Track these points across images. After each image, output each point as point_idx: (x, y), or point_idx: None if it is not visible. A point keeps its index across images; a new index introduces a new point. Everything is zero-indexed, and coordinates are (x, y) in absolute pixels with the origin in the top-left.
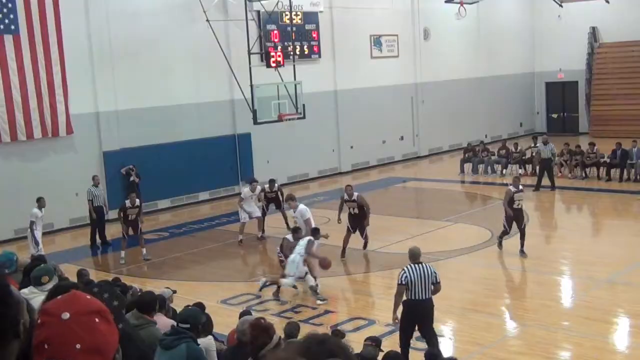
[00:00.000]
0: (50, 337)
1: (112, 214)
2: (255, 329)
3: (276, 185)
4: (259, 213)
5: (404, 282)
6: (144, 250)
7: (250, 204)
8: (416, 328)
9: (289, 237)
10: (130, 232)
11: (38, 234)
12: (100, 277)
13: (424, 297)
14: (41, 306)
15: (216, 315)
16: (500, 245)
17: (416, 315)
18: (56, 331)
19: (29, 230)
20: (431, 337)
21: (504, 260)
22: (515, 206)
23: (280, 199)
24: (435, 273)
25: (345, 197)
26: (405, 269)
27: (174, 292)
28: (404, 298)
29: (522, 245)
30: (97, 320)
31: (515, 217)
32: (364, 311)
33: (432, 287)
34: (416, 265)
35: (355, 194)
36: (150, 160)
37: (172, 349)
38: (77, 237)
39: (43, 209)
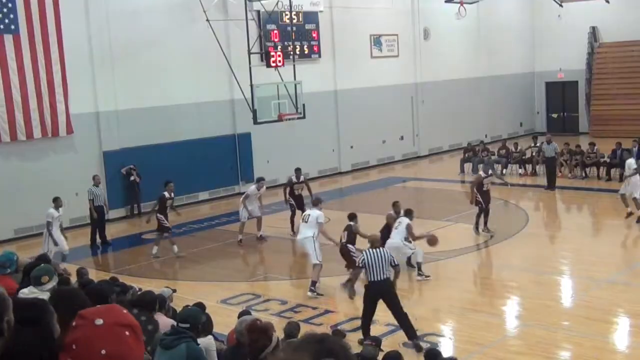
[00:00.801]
0: (79, 339)
1: (113, 214)
2: (253, 331)
3: (302, 176)
4: (259, 213)
5: (361, 265)
6: (176, 248)
7: (253, 202)
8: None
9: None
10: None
11: (56, 233)
12: (100, 276)
13: (380, 279)
14: (79, 312)
15: (216, 315)
16: (486, 229)
17: (375, 295)
18: (86, 334)
19: (45, 230)
20: (400, 316)
21: (503, 260)
22: (484, 189)
23: (309, 190)
24: (392, 257)
25: None
26: (364, 252)
27: (174, 291)
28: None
29: (485, 223)
30: (127, 333)
31: (484, 198)
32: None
33: (391, 269)
34: (374, 249)
35: None
36: (150, 160)
37: (172, 348)
38: (77, 237)
39: (60, 208)
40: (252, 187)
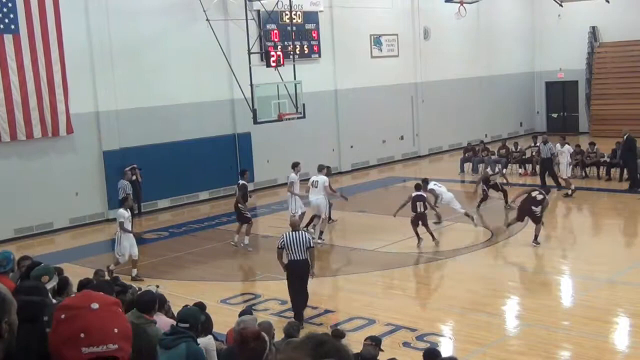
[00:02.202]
0: (86, 326)
1: (112, 214)
2: (250, 340)
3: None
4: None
5: (280, 246)
6: (247, 240)
7: (297, 189)
8: None
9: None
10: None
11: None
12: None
13: (299, 258)
14: (57, 305)
15: (216, 314)
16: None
17: (295, 271)
18: (91, 320)
19: (118, 232)
20: (302, 295)
21: (504, 259)
22: (490, 184)
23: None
24: (309, 239)
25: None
26: (284, 235)
27: (157, 287)
28: (286, 260)
29: (478, 205)
30: (119, 310)
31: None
32: (364, 311)
33: (307, 251)
34: (294, 232)
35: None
36: (150, 160)
37: (172, 348)
38: (77, 237)
39: (129, 209)
40: (292, 174)
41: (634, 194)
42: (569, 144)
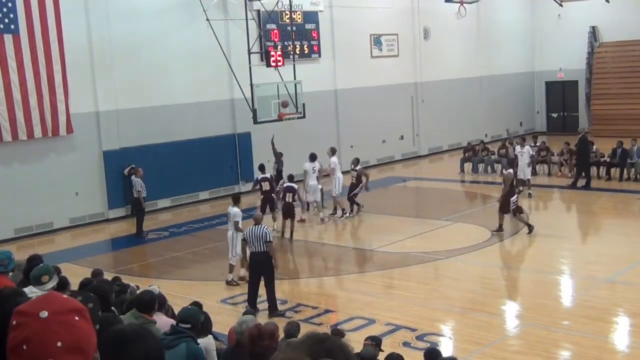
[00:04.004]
0: (29, 337)
1: (113, 213)
2: (266, 337)
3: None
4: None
5: (244, 238)
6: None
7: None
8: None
9: None
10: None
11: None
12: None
13: (259, 250)
14: (16, 308)
15: (216, 314)
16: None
17: (256, 263)
18: (35, 330)
19: (232, 232)
20: (269, 288)
21: (503, 259)
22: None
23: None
24: (267, 234)
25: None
26: (247, 229)
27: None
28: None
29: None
30: (76, 318)
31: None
32: (364, 311)
33: (266, 245)
34: (255, 226)
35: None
36: (151, 160)
37: (172, 348)
38: (77, 237)
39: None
40: (333, 158)
41: (634, 194)
42: (529, 145)
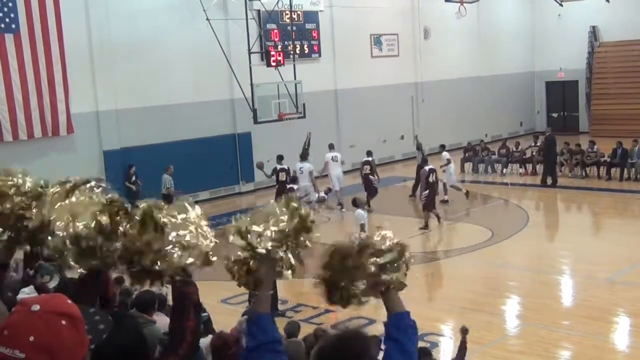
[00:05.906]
0: (10, 324)
1: None
2: (232, 344)
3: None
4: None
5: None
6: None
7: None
8: None
9: None
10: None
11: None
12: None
13: None
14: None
15: (216, 314)
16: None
17: None
18: (18, 320)
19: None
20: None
21: (503, 259)
22: None
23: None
24: None
25: None
26: None
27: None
28: None
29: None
30: (63, 322)
31: None
32: (364, 311)
33: None
34: None
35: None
36: (151, 160)
37: None
38: None
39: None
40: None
41: (634, 194)
42: (447, 151)
